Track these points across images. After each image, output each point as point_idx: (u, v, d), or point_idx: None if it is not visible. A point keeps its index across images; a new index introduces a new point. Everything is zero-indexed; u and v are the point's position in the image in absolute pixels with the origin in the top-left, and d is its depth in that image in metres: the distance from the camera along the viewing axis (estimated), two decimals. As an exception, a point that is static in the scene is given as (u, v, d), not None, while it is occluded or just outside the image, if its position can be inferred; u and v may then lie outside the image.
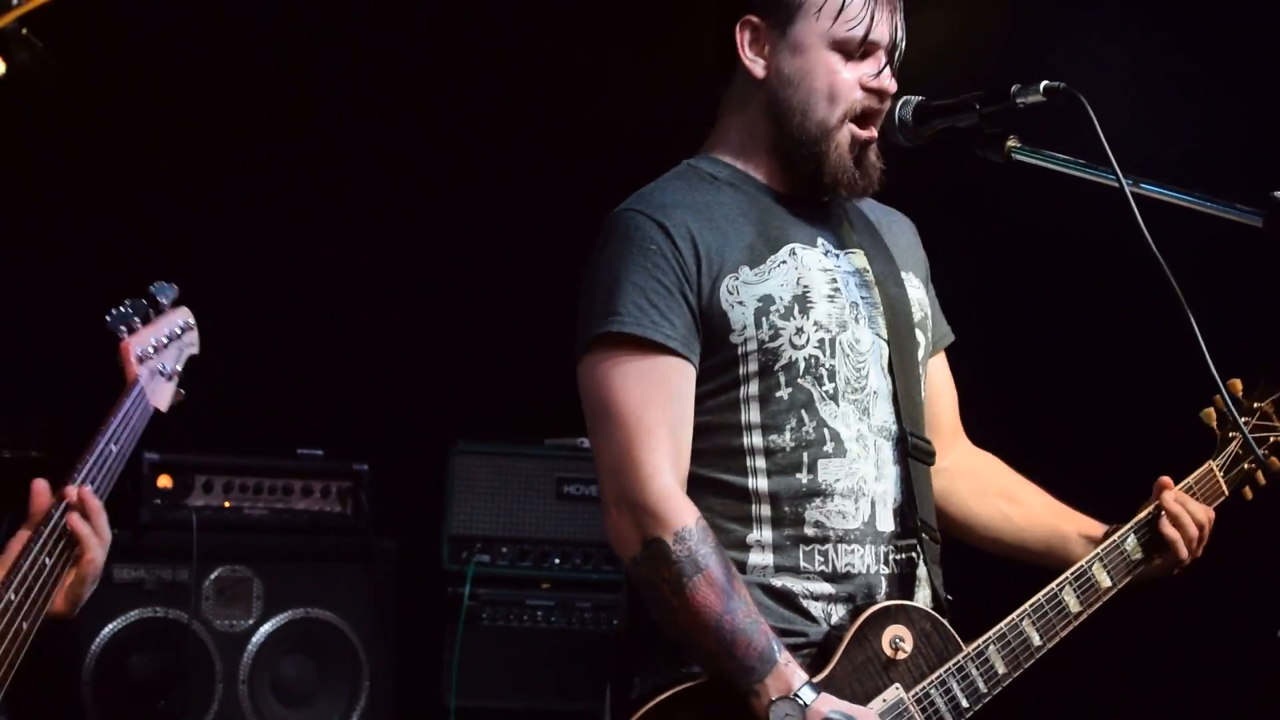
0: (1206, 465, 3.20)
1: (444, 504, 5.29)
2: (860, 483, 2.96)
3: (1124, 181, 2.85)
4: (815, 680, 2.81)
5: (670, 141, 3.19)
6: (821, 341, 2.95)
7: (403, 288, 5.65)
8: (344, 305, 5.58)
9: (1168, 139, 4.51)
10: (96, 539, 2.74)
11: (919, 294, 3.15)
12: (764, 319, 2.92)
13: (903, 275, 3.12)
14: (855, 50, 2.99)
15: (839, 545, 2.94)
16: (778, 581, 2.92)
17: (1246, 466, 3.22)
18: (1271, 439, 3.24)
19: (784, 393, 2.93)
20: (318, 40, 5.60)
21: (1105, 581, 3.08)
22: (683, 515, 2.83)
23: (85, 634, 4.69)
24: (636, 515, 2.84)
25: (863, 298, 3.03)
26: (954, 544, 3.20)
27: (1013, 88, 2.95)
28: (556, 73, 5.53)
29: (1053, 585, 3.04)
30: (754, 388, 2.93)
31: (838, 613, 2.93)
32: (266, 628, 4.94)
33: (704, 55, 3.08)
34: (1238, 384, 3.19)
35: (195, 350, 3.07)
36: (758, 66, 3.02)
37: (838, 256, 3.04)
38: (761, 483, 2.92)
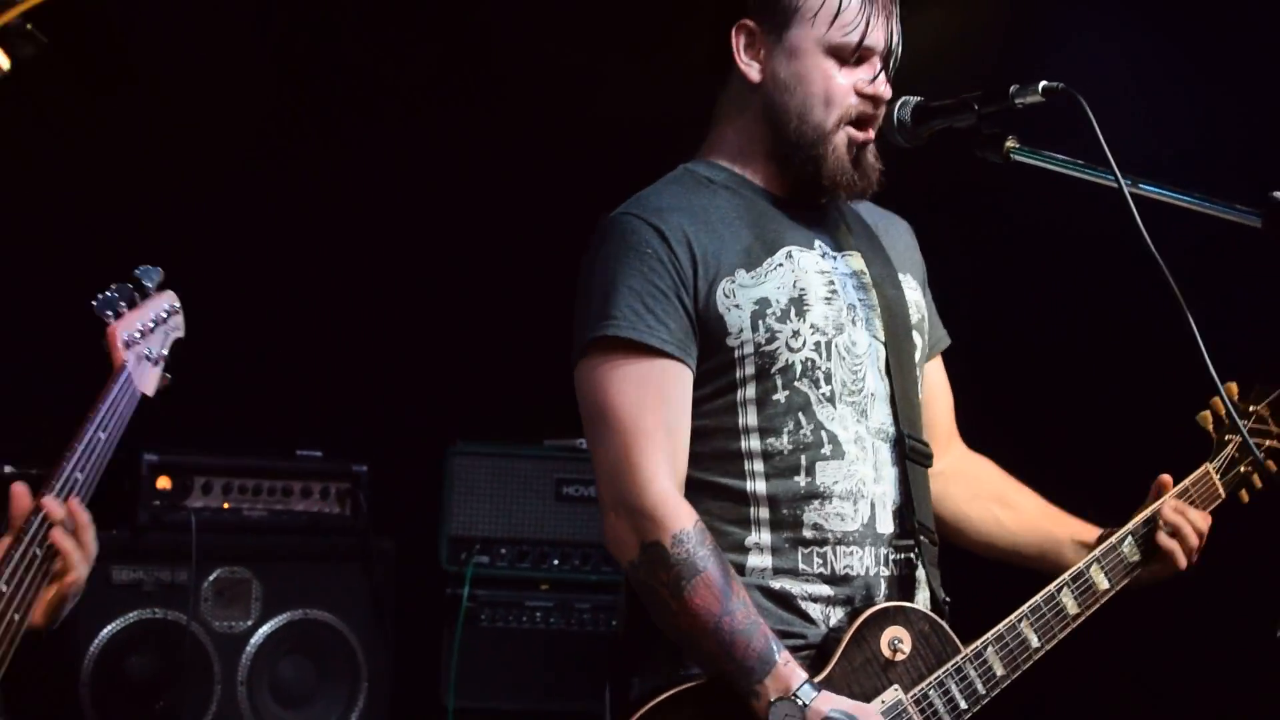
0: (1203, 468, 3.20)
1: (443, 505, 5.28)
2: (859, 485, 2.95)
3: (1123, 182, 2.85)
4: (814, 681, 2.81)
5: (670, 142, 3.19)
6: (818, 344, 2.95)
7: (401, 288, 5.64)
8: (342, 306, 5.57)
9: (1167, 139, 4.51)
10: (81, 553, 2.71)
11: (916, 296, 3.15)
12: (760, 322, 2.92)
13: (900, 277, 3.12)
14: (850, 56, 2.99)
15: (838, 547, 2.94)
16: (776, 584, 2.91)
17: (1243, 470, 3.22)
18: (1266, 443, 3.24)
19: (781, 395, 2.93)
20: (315, 40, 5.59)
21: (1103, 584, 3.07)
22: (680, 518, 2.83)
23: (84, 635, 4.68)
24: (634, 519, 2.84)
25: (860, 300, 3.02)
26: (952, 546, 3.20)
27: (1011, 88, 2.94)
28: (555, 73, 5.53)
29: (1051, 587, 3.04)
30: (751, 391, 2.93)
31: (836, 615, 2.93)
32: (265, 629, 4.93)
33: (700, 57, 3.08)
34: (1233, 388, 3.19)
35: (181, 334, 3.04)
36: (753, 70, 3.01)
37: (835, 259, 3.04)
38: (760, 485, 2.92)
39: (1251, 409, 3.25)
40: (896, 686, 2.90)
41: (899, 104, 3.05)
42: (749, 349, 2.92)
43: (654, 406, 2.87)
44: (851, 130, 3.00)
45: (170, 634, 4.78)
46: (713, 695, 2.83)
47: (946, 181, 4.40)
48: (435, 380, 5.57)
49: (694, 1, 3.23)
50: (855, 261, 3.06)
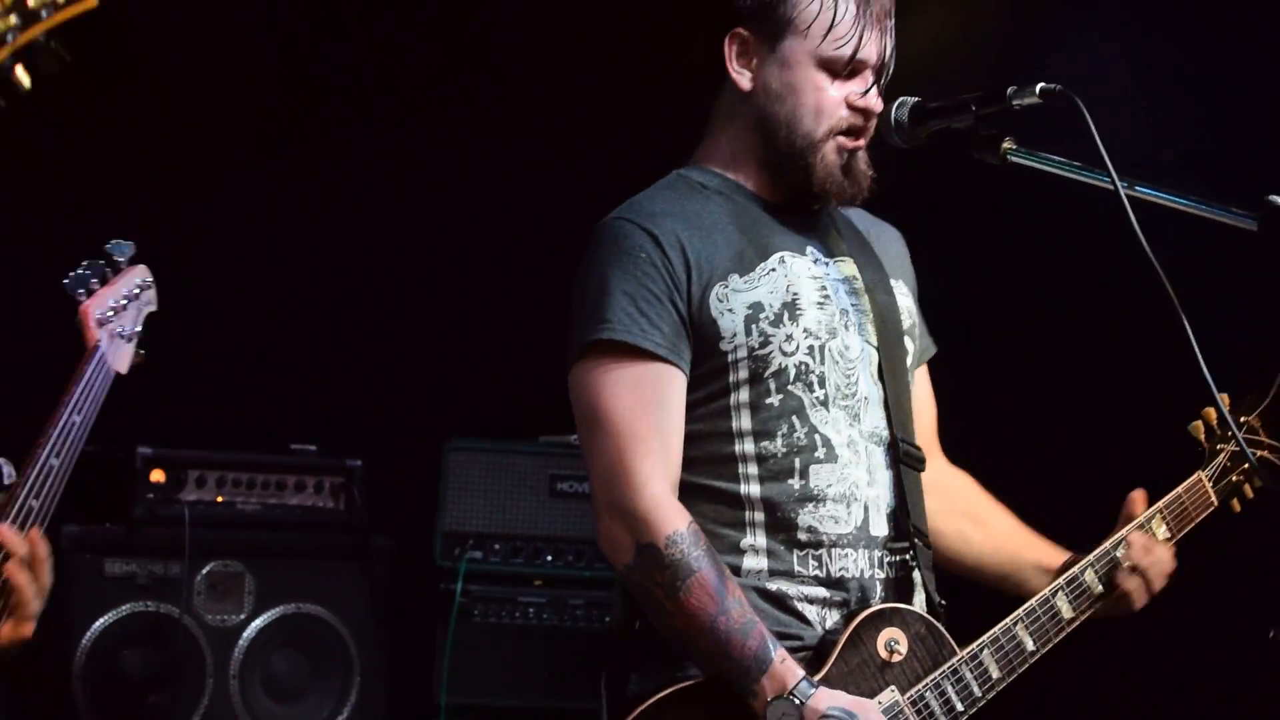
0: (1196, 476, 3.20)
1: (437, 500, 5.27)
2: (852, 488, 2.95)
3: (1119, 184, 2.84)
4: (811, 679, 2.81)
5: (669, 142, 3.19)
6: (811, 348, 2.95)
7: (397, 284, 5.63)
8: (338, 301, 5.57)
9: (1167, 139, 4.50)
10: (36, 588, 2.60)
11: (908, 302, 3.15)
12: (754, 326, 2.92)
13: (892, 283, 3.12)
14: (843, 69, 2.98)
15: (832, 550, 2.94)
16: (772, 585, 2.91)
17: (1235, 479, 3.22)
18: (1259, 454, 3.24)
19: (775, 399, 2.92)
20: (314, 39, 5.59)
21: (1097, 588, 3.07)
22: (674, 520, 2.83)
23: (76, 628, 4.68)
24: (628, 522, 2.84)
25: (852, 305, 3.02)
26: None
27: (1009, 89, 2.94)
28: (555, 73, 5.53)
29: (1046, 590, 3.04)
30: (744, 395, 2.92)
31: (832, 617, 2.93)
32: (258, 623, 4.92)
33: (696, 63, 3.08)
34: (1225, 398, 3.18)
35: (154, 308, 2.98)
36: (744, 79, 3.01)
37: (827, 264, 3.03)
38: (754, 488, 2.92)
39: (1243, 419, 3.24)
40: (893, 688, 2.90)
41: (896, 105, 3.05)
42: (742, 353, 2.91)
43: (648, 410, 2.87)
44: (841, 138, 2.99)
45: (163, 627, 4.78)
46: (713, 694, 2.83)
47: (944, 182, 4.40)
48: (431, 376, 5.57)
49: (693, 2, 3.22)
50: (847, 267, 3.06)
